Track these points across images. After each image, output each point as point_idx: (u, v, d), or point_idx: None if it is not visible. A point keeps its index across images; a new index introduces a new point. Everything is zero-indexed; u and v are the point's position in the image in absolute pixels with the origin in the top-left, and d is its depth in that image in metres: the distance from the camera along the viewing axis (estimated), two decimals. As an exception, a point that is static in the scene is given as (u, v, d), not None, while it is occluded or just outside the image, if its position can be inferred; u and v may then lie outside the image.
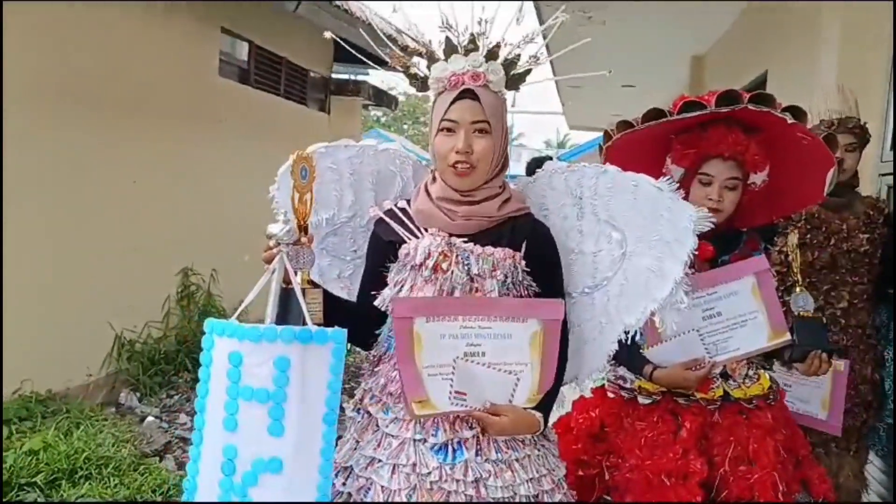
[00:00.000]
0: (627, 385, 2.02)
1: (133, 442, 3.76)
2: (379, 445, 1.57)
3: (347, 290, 1.86)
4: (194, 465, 1.40)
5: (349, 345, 1.43)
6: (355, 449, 1.61)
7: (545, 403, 1.60)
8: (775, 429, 1.95)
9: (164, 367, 4.93)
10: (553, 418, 1.94)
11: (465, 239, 1.59)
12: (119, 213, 4.71)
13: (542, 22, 1.65)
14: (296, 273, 1.43)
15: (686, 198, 1.79)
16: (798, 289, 2.11)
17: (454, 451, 1.54)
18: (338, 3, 6.10)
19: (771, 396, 2.00)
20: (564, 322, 1.63)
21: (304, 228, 1.49)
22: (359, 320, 1.59)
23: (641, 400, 1.98)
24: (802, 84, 4.01)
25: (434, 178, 1.64)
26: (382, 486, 1.53)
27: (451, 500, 1.50)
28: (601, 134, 2.13)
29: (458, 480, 1.51)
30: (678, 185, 1.73)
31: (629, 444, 1.95)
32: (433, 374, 1.51)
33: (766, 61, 5.29)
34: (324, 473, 1.36)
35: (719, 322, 1.92)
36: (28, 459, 3.26)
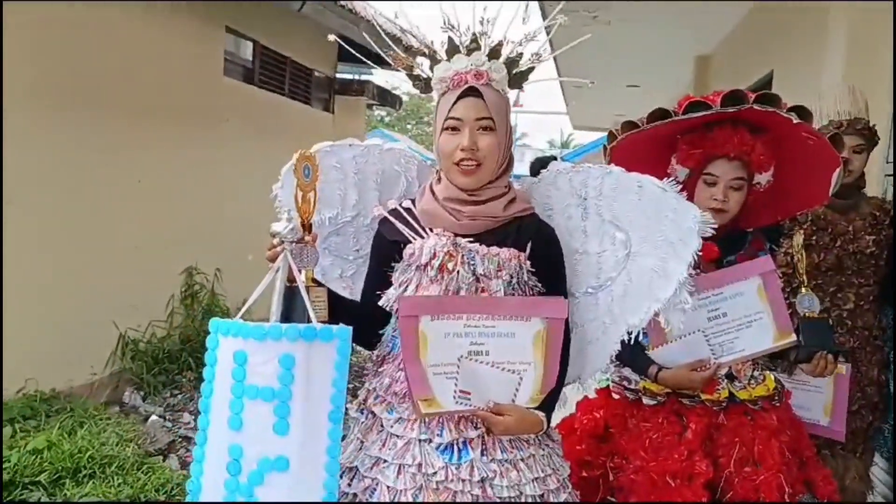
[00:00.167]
0: (632, 386, 2.01)
1: (137, 441, 3.76)
2: (384, 446, 1.57)
3: (350, 290, 1.86)
4: (198, 466, 1.40)
5: (353, 344, 1.42)
6: (360, 449, 1.61)
7: (548, 403, 1.60)
8: (780, 430, 1.94)
9: (168, 367, 4.94)
10: (557, 419, 1.94)
11: (471, 239, 1.59)
12: (123, 213, 4.72)
13: (547, 30, 1.65)
14: (300, 271, 1.44)
15: (691, 198, 1.79)
16: (803, 289, 2.11)
17: (459, 450, 1.54)
18: (342, 2, 6.10)
19: (776, 397, 1.99)
20: (566, 322, 1.63)
21: (307, 227, 1.49)
22: (363, 320, 1.59)
23: (646, 401, 1.98)
24: (808, 84, 3.99)
25: (439, 179, 1.64)
26: (388, 487, 1.53)
27: (458, 499, 1.50)
28: (605, 134, 2.12)
29: (463, 480, 1.51)
30: (681, 185, 1.73)
31: (634, 446, 1.95)
32: (438, 373, 1.52)
33: (771, 61, 5.28)
34: (330, 471, 1.36)
35: (725, 323, 1.92)
36: (32, 458, 3.26)
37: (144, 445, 3.79)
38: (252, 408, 1.33)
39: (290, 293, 1.44)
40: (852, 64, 3.64)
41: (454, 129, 1.56)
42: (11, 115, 3.76)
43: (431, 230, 1.60)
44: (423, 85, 1.64)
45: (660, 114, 1.89)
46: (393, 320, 1.64)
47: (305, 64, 7.29)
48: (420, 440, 1.55)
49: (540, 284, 1.62)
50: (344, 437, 1.54)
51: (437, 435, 1.55)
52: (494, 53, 1.57)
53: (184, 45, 5.31)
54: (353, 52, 1.85)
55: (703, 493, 1.83)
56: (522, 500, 1.55)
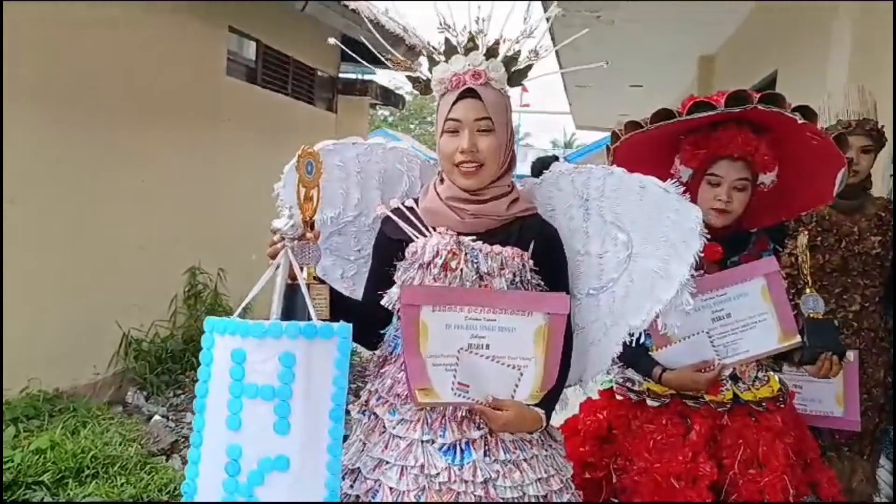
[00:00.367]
0: (636, 387, 2.01)
1: (140, 441, 3.76)
2: (386, 447, 1.57)
3: (351, 291, 1.85)
4: (194, 468, 1.38)
5: (354, 345, 1.42)
6: (362, 451, 1.61)
7: (547, 401, 1.59)
8: (785, 431, 1.93)
9: (171, 366, 4.94)
10: (560, 420, 1.93)
11: (474, 238, 1.58)
12: (126, 212, 4.72)
13: (547, 19, 1.64)
14: (301, 269, 1.43)
15: (694, 199, 1.78)
16: (808, 290, 2.10)
17: (462, 451, 1.54)
18: (345, 2, 6.09)
19: (780, 399, 1.99)
20: (569, 324, 1.62)
21: (309, 224, 1.48)
22: (364, 319, 1.58)
23: (650, 402, 1.97)
24: (812, 84, 3.98)
25: (442, 179, 1.64)
26: (391, 488, 1.52)
27: (461, 500, 1.50)
28: (608, 134, 2.12)
29: (466, 481, 1.51)
30: (685, 186, 1.73)
31: (637, 447, 1.94)
32: (437, 364, 1.51)
33: (775, 61, 5.26)
34: (332, 470, 1.35)
35: (729, 324, 1.91)
36: (35, 458, 3.26)
37: (147, 445, 3.79)
38: (251, 407, 1.31)
39: (291, 291, 1.42)
40: (856, 63, 3.63)
41: (454, 131, 1.56)
42: (15, 114, 3.77)
43: (434, 229, 1.60)
44: (423, 86, 1.64)
45: (663, 114, 1.88)
46: (395, 320, 1.64)
47: (308, 63, 7.29)
48: (423, 441, 1.54)
49: (543, 283, 1.62)
50: (346, 439, 1.54)
51: (440, 436, 1.54)
52: (492, 52, 1.57)
53: (187, 44, 5.31)
54: (354, 55, 1.85)
55: (707, 494, 1.83)
56: (525, 500, 1.54)
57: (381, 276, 1.64)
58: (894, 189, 3.22)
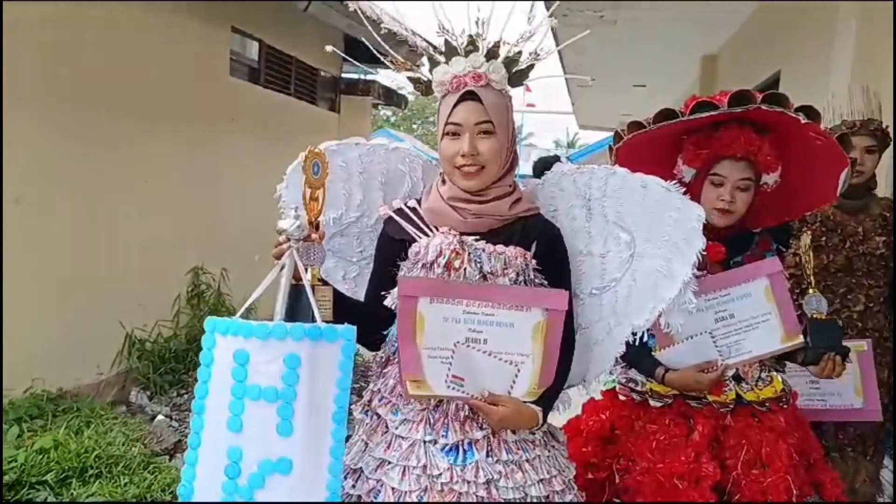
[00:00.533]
0: (638, 388, 2.00)
1: (143, 441, 3.76)
2: (389, 447, 1.57)
3: (353, 292, 1.85)
4: (190, 470, 1.36)
5: (356, 345, 1.42)
6: (364, 451, 1.61)
7: (546, 399, 1.59)
8: (788, 432, 1.93)
9: (175, 366, 4.94)
10: (562, 420, 1.93)
11: (476, 237, 1.58)
12: (130, 212, 4.72)
13: (552, 22, 1.64)
14: (306, 270, 1.42)
15: (697, 199, 1.78)
16: (811, 290, 2.09)
17: (465, 452, 1.54)
18: (348, 2, 6.09)
19: (783, 399, 1.98)
20: (571, 323, 1.62)
21: (315, 225, 1.47)
22: (367, 320, 1.58)
23: (653, 403, 1.97)
24: (816, 84, 3.97)
25: (444, 180, 1.64)
26: (393, 488, 1.53)
27: (463, 501, 1.50)
28: (611, 134, 2.11)
29: (469, 482, 1.51)
30: (687, 186, 1.72)
31: (640, 448, 1.94)
32: (433, 357, 1.51)
33: (778, 61, 5.25)
34: (334, 472, 1.35)
35: (732, 324, 1.91)
36: (39, 458, 3.26)
37: (151, 445, 3.79)
38: (254, 409, 1.31)
39: (296, 292, 1.42)
40: (860, 63, 3.62)
41: (454, 133, 1.56)
42: (18, 115, 3.77)
43: (437, 229, 1.60)
44: (425, 87, 1.63)
45: (666, 114, 1.88)
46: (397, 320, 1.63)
47: (311, 63, 7.29)
48: (425, 441, 1.54)
49: (546, 283, 1.62)
50: (348, 439, 1.54)
51: (443, 436, 1.54)
52: (492, 53, 1.56)
53: (190, 44, 5.32)
54: (354, 61, 1.85)
55: (710, 495, 1.82)
56: (528, 501, 1.54)
57: (383, 277, 1.64)
58: (894, 189, 3.22)
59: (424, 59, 1.63)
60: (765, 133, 1.89)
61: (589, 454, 2.01)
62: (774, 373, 2.02)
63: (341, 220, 1.83)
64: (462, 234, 1.58)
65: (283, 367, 1.31)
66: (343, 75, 8.30)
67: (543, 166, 1.79)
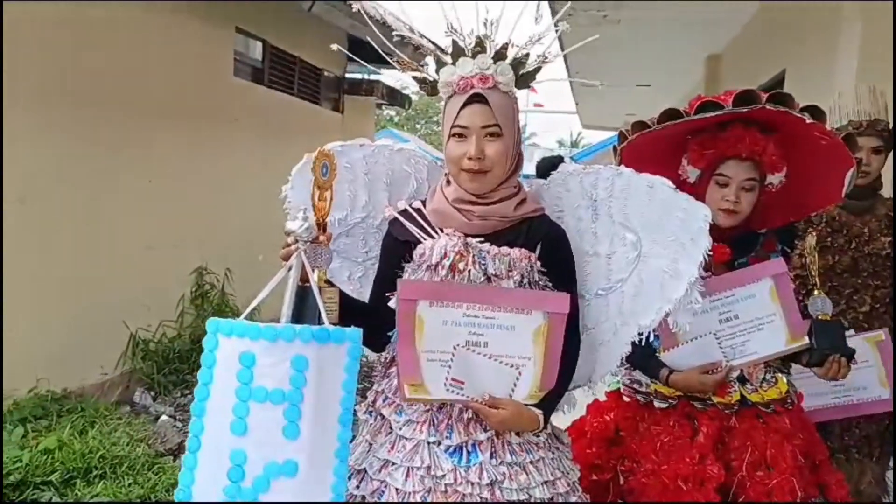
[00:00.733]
0: (643, 389, 2.00)
1: (147, 441, 3.77)
2: (393, 448, 1.57)
3: (358, 293, 1.85)
4: (189, 474, 1.33)
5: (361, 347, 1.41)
6: (369, 451, 1.61)
7: (547, 403, 1.58)
8: (793, 433, 1.92)
9: (179, 367, 4.94)
10: (567, 422, 1.92)
11: (481, 239, 1.58)
12: (134, 213, 4.73)
13: (556, 24, 1.63)
14: (313, 271, 1.42)
15: (702, 199, 1.77)
16: (816, 292, 2.08)
17: (469, 453, 1.54)
18: (352, 1, 6.09)
19: (788, 400, 1.98)
20: (576, 325, 1.62)
21: (322, 226, 1.47)
22: (372, 322, 1.58)
23: (657, 404, 1.97)
24: (821, 83, 3.96)
25: (449, 181, 1.63)
26: (397, 489, 1.53)
27: (467, 502, 1.50)
28: (615, 134, 2.11)
29: (472, 483, 1.51)
30: (692, 186, 1.71)
31: (645, 449, 1.93)
32: (432, 360, 1.51)
33: (783, 60, 5.23)
34: (338, 474, 1.35)
35: (736, 325, 1.90)
36: (43, 458, 3.27)
37: (155, 445, 3.80)
38: (259, 411, 1.29)
39: (303, 293, 1.42)
40: (865, 62, 3.60)
41: (461, 136, 1.55)
42: (19, 115, 3.78)
43: (442, 230, 1.60)
44: (430, 88, 1.63)
45: (670, 114, 1.87)
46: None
47: (315, 64, 7.30)
48: (429, 442, 1.54)
49: (550, 285, 1.61)
50: (352, 440, 1.53)
51: (446, 437, 1.54)
52: (500, 55, 1.56)
53: (193, 45, 5.32)
54: (360, 60, 1.85)
55: (714, 497, 1.82)
56: (532, 502, 1.54)
57: (388, 278, 1.64)
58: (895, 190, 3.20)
59: (429, 60, 1.62)
60: (770, 133, 1.89)
61: (593, 455, 2.01)
62: (779, 374, 2.01)
63: (346, 220, 1.83)
64: (467, 235, 1.58)
65: (291, 369, 1.30)
66: (347, 75, 8.30)
67: (547, 166, 1.79)
